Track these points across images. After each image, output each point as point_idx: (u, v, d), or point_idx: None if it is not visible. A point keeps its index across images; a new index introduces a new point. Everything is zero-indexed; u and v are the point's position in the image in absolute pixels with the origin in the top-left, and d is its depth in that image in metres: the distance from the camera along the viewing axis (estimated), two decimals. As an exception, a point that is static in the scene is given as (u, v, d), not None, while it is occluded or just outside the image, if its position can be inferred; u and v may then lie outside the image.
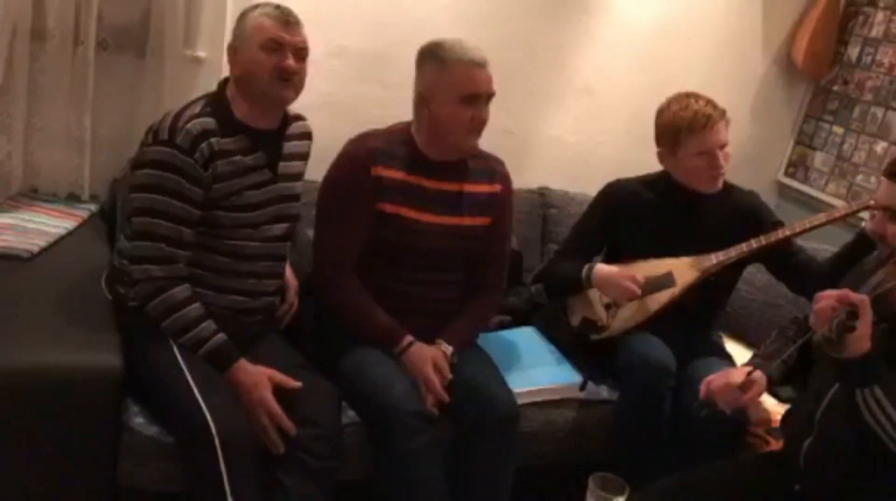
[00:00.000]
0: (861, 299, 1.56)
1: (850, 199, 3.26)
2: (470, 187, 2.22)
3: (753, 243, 2.30)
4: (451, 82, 2.06)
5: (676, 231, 2.39)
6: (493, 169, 2.28)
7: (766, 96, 3.43)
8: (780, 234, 2.30)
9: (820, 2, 3.26)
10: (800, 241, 2.43)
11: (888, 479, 1.64)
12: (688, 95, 2.35)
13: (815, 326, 1.62)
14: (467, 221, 2.21)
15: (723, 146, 2.32)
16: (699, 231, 2.37)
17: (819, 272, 2.32)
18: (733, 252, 2.31)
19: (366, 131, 2.20)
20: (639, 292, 2.31)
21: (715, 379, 1.93)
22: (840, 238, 2.42)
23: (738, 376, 1.89)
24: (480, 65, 2.07)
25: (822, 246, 2.72)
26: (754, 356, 2.05)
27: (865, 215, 2.33)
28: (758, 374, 1.89)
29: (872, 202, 2.06)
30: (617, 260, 2.43)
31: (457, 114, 2.07)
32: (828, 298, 1.60)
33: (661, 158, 2.41)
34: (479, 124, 2.11)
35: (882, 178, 1.75)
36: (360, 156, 2.12)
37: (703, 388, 1.95)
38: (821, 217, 2.29)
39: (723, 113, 2.32)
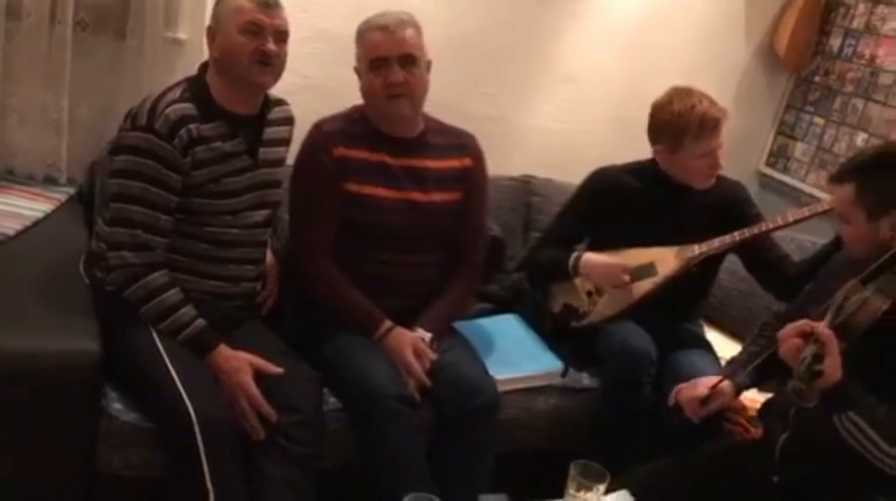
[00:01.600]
0: (825, 335, 1.56)
1: (831, 189, 3.27)
2: (435, 163, 2.21)
3: (737, 236, 2.30)
4: (361, 52, 2.10)
5: (662, 221, 2.38)
6: (463, 143, 2.27)
7: (749, 87, 3.44)
8: (763, 227, 2.30)
9: (802, -7, 3.27)
10: (783, 233, 2.44)
11: (862, 475, 1.65)
12: (689, 94, 2.31)
13: (786, 361, 1.63)
14: (434, 197, 2.20)
15: (721, 146, 2.32)
16: (684, 222, 2.37)
17: (790, 274, 2.34)
18: (716, 243, 2.31)
19: (324, 117, 2.20)
20: (627, 280, 2.32)
21: (683, 389, 1.97)
22: (827, 230, 2.43)
23: (704, 388, 1.93)
24: (383, 28, 2.06)
25: (808, 237, 2.75)
26: (729, 362, 2.08)
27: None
28: (725, 384, 1.92)
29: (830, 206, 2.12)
30: (601, 248, 2.43)
31: (371, 83, 2.08)
32: (792, 336, 1.61)
33: (657, 153, 2.39)
34: (395, 89, 2.07)
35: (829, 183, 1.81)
36: (321, 140, 2.13)
37: (671, 396, 1.98)
38: (804, 211, 2.30)
39: (725, 113, 2.30)
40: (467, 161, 2.25)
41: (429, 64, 2.15)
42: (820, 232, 2.52)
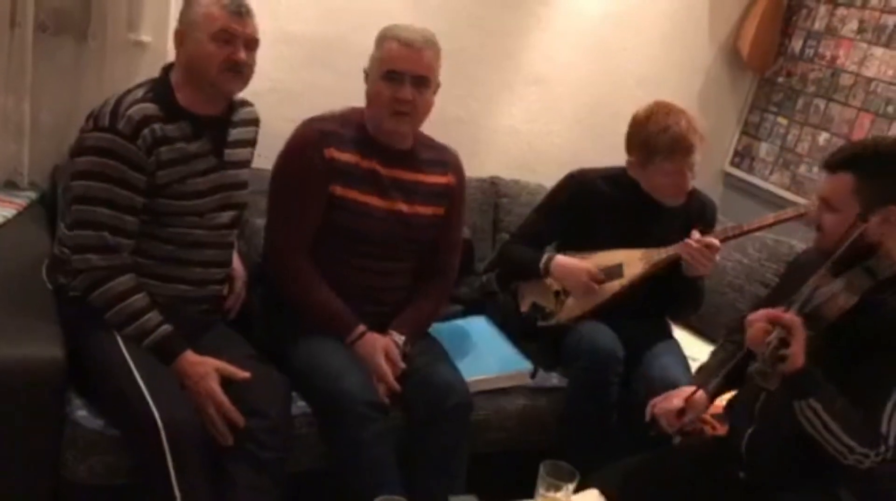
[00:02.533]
0: (792, 320, 1.58)
1: (794, 189, 3.33)
2: (423, 177, 2.21)
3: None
4: (379, 58, 2.08)
5: (633, 230, 2.40)
6: (447, 160, 2.28)
7: (713, 88, 3.49)
8: (729, 232, 2.33)
9: (765, -6, 3.32)
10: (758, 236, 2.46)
11: (826, 468, 1.67)
12: (668, 113, 2.31)
13: (751, 347, 1.65)
14: (419, 210, 2.20)
15: (693, 166, 2.33)
16: (654, 231, 2.39)
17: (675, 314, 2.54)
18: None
19: (319, 114, 2.17)
20: (596, 288, 2.34)
21: (658, 403, 1.97)
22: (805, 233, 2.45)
23: (678, 400, 1.93)
24: (407, 44, 2.05)
25: (784, 239, 2.79)
26: (699, 370, 2.09)
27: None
28: (699, 395, 1.93)
29: (804, 211, 2.21)
30: (570, 250, 2.44)
31: (379, 91, 2.07)
32: (759, 320, 1.62)
33: (629, 166, 2.41)
34: (400, 106, 2.07)
35: (821, 170, 1.77)
36: (313, 137, 2.10)
37: (648, 411, 1.99)
38: (768, 218, 2.33)
39: (701, 136, 2.31)
40: (451, 178, 2.26)
41: (437, 87, 2.15)
42: (799, 235, 2.55)
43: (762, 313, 1.64)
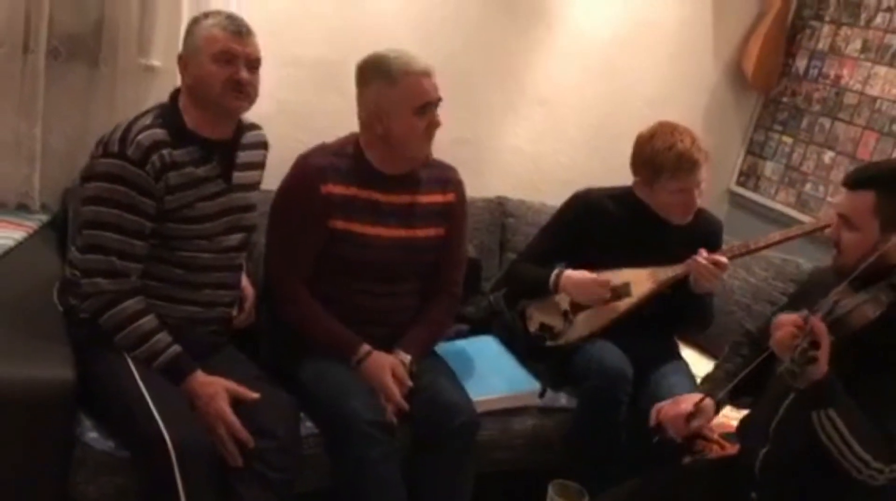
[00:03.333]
0: (820, 327, 1.57)
1: (800, 208, 3.34)
2: (423, 198, 2.21)
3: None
4: (404, 96, 2.05)
5: (640, 249, 2.41)
6: (447, 178, 2.28)
7: (718, 107, 3.50)
8: (736, 250, 2.34)
9: (769, 15, 3.34)
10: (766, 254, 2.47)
11: (841, 488, 1.66)
12: (672, 132, 2.34)
13: (778, 354, 1.65)
14: (420, 232, 2.21)
15: (699, 185, 2.34)
16: (661, 251, 2.39)
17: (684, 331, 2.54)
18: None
19: (315, 146, 2.18)
20: (608, 295, 2.34)
21: (665, 408, 1.96)
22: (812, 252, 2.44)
23: (686, 405, 1.92)
24: (427, 73, 2.07)
25: (791, 257, 2.79)
26: (705, 379, 2.08)
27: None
28: (707, 402, 1.92)
29: (809, 229, 2.24)
30: (578, 269, 2.44)
31: (413, 126, 2.07)
32: (787, 325, 1.62)
33: (636, 185, 2.43)
34: (433, 131, 2.12)
35: (842, 187, 1.77)
36: (309, 174, 2.11)
37: (653, 415, 1.98)
38: (775, 236, 2.33)
39: (706, 155, 2.33)
40: (451, 196, 2.26)
41: None
42: (785, 248, 2.55)
43: (790, 317, 1.63)
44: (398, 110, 2.06)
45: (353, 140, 2.17)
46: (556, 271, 2.42)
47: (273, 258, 2.19)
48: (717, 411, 1.97)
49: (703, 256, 2.27)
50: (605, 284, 2.36)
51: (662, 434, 1.95)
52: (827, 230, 1.81)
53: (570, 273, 2.41)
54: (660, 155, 2.32)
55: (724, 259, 2.27)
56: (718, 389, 1.95)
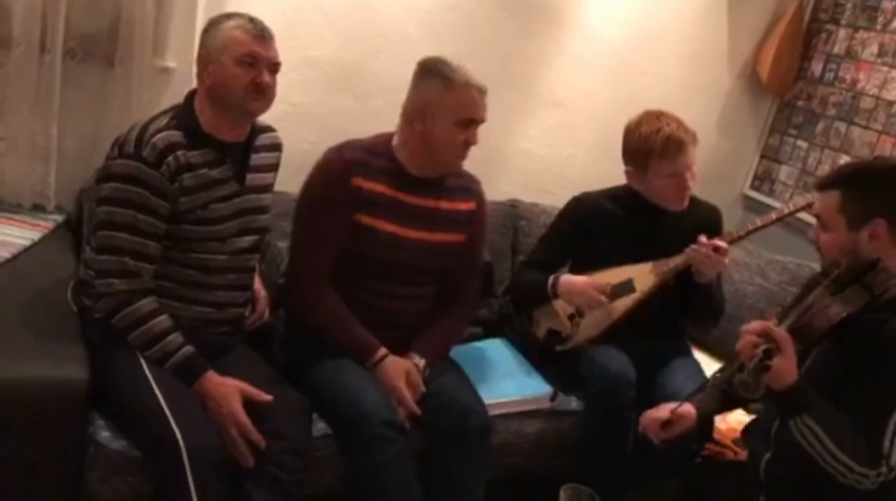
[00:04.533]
0: (781, 335, 1.61)
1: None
2: (446, 204, 2.22)
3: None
4: (455, 104, 2.07)
5: (641, 244, 2.41)
6: (470, 187, 2.29)
7: (733, 111, 3.48)
8: (735, 234, 2.34)
9: (784, 18, 3.32)
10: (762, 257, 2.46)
11: (845, 491, 1.66)
12: (658, 117, 2.37)
13: (741, 357, 1.67)
14: (441, 237, 2.21)
15: (690, 167, 2.36)
16: (662, 244, 2.40)
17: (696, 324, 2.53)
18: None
19: (347, 141, 2.19)
20: (605, 300, 2.34)
21: (647, 414, 2.02)
22: (794, 247, 2.41)
23: (664, 412, 1.98)
24: (482, 92, 2.10)
25: (805, 262, 2.77)
26: (700, 388, 2.09)
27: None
28: (685, 408, 1.95)
29: (803, 203, 2.25)
30: (581, 271, 2.45)
31: (453, 135, 2.09)
32: (751, 333, 1.65)
33: (629, 175, 2.44)
34: (468, 148, 2.14)
35: (814, 190, 1.82)
36: (340, 166, 2.12)
37: (640, 421, 2.03)
38: (771, 216, 2.34)
39: (693, 136, 2.35)
40: (473, 205, 2.28)
41: None
42: (801, 252, 2.55)
43: (754, 325, 1.67)
44: (445, 115, 2.08)
45: (385, 139, 2.19)
46: (552, 277, 2.42)
47: (298, 255, 2.19)
48: (701, 418, 1.99)
49: (702, 242, 2.27)
50: (602, 287, 2.36)
51: (646, 438, 2.00)
52: (809, 233, 1.86)
53: (566, 278, 2.42)
54: (647, 140, 2.34)
55: (723, 244, 2.27)
56: (697, 395, 1.98)
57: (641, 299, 2.38)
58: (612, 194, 2.50)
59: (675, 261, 2.35)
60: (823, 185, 1.76)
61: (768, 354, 1.58)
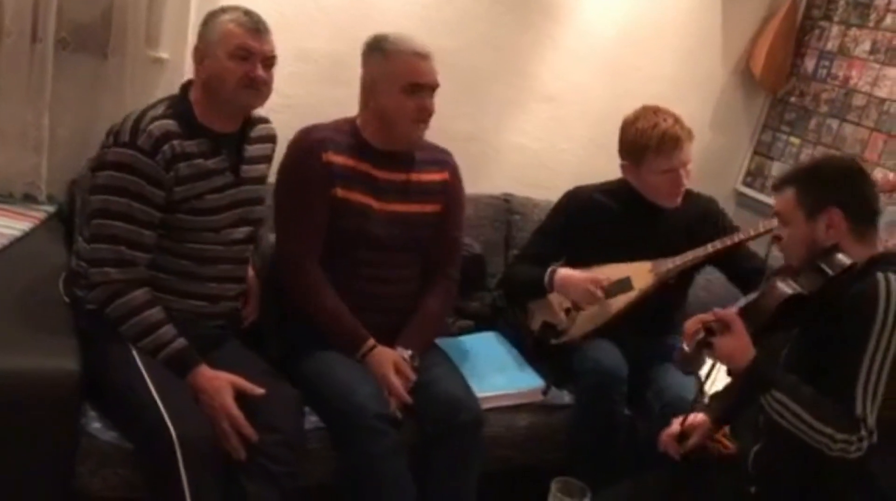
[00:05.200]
0: (726, 314, 1.69)
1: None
2: (418, 176, 2.24)
3: (709, 248, 2.35)
4: (395, 72, 2.09)
5: (636, 239, 2.42)
6: (440, 159, 2.31)
7: (726, 107, 3.49)
8: (736, 238, 2.35)
9: (778, 15, 3.33)
10: (754, 246, 2.47)
11: (836, 479, 1.68)
12: (655, 112, 2.38)
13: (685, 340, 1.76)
14: (416, 208, 2.23)
15: (686, 164, 2.36)
16: (658, 238, 2.41)
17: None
18: (690, 256, 2.36)
19: (310, 125, 2.21)
20: (600, 294, 2.34)
21: (662, 434, 1.99)
22: None
23: (675, 427, 1.97)
24: (422, 55, 2.10)
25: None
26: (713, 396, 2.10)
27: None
28: (699, 418, 1.96)
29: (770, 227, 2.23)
30: (577, 266, 2.45)
31: (402, 103, 2.10)
32: (695, 320, 1.76)
33: (624, 170, 2.45)
34: (424, 115, 2.13)
35: (772, 192, 1.87)
36: (309, 144, 2.14)
37: (659, 444, 2.00)
38: (774, 221, 2.34)
39: (689, 133, 2.36)
40: (446, 175, 2.29)
41: None
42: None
43: (704, 314, 1.76)
44: (388, 86, 2.10)
45: (350, 120, 2.22)
46: (549, 271, 2.43)
47: (285, 238, 2.19)
48: (715, 423, 1.98)
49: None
50: (598, 282, 2.36)
51: (669, 458, 1.97)
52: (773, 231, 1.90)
53: (563, 272, 2.42)
54: (644, 135, 2.35)
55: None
56: (703, 400, 1.99)
57: (638, 298, 2.38)
58: (607, 189, 2.51)
59: (675, 261, 2.36)
60: (779, 185, 1.82)
61: (710, 332, 1.68)
